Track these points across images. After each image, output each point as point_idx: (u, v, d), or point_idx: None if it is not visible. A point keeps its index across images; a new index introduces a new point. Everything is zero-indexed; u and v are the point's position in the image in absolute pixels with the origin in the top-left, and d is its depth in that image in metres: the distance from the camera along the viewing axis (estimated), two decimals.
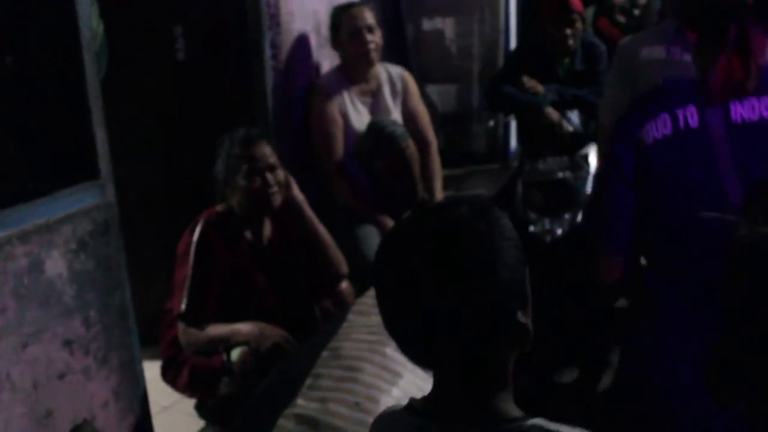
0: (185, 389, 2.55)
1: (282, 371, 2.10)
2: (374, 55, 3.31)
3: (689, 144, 1.56)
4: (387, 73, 3.45)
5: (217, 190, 2.61)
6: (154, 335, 2.68)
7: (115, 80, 2.94)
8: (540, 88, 3.51)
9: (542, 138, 3.47)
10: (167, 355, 2.59)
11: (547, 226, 3.19)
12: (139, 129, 3.25)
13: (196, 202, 2.69)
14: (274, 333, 2.41)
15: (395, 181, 3.27)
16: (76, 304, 2.05)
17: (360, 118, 3.32)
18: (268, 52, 3.12)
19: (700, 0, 1.59)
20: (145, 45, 3.24)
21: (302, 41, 3.38)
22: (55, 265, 1.99)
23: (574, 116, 3.48)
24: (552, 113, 3.45)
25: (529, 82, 3.52)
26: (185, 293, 2.46)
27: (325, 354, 1.92)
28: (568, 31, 3.54)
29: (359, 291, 2.67)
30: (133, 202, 2.87)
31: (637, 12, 5.28)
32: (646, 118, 1.61)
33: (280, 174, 2.57)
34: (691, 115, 1.56)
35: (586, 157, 3.32)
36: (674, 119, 1.57)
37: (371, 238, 3.16)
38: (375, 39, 3.29)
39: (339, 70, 3.38)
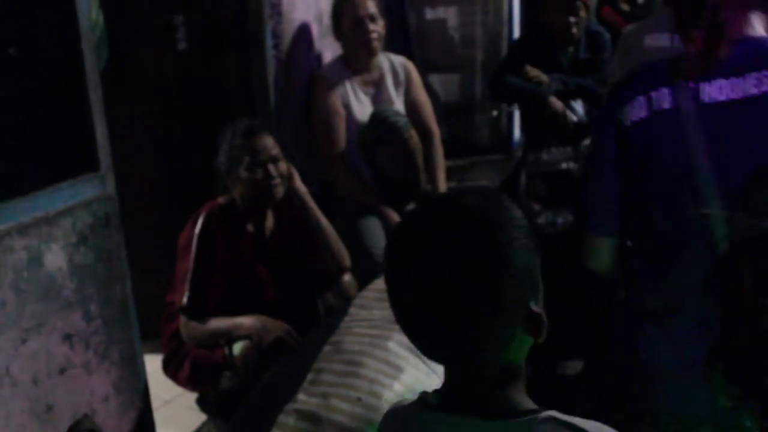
0: (187, 383, 2.53)
1: (284, 366, 2.08)
2: (376, 45, 3.28)
3: (663, 126, 1.57)
4: (389, 62, 3.41)
5: (219, 182, 2.59)
6: (156, 329, 2.66)
7: (116, 70, 2.91)
8: (544, 77, 3.48)
9: (546, 128, 3.45)
10: (169, 349, 2.57)
11: (551, 217, 3.17)
12: (139, 120, 3.23)
13: (197, 193, 2.67)
14: (276, 327, 2.39)
15: (398, 172, 3.24)
16: (77, 297, 2.03)
17: (362, 108, 3.29)
18: (269, 42, 3.09)
19: None
20: (146, 34, 3.21)
21: (304, 31, 3.35)
22: (55, 258, 1.96)
23: (578, 106, 3.45)
24: (556, 103, 3.42)
25: (532, 71, 3.49)
26: (187, 286, 2.44)
27: (326, 348, 1.90)
28: (572, 20, 3.50)
29: (362, 284, 2.64)
30: (133, 194, 2.85)
31: (641, 0, 5.24)
32: (625, 101, 1.61)
33: (283, 166, 2.54)
34: (664, 97, 1.56)
35: None
36: (649, 101, 1.58)
37: (374, 229, 3.14)
38: (377, 28, 3.26)
39: (341, 60, 3.35)
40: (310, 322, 2.57)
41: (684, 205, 1.55)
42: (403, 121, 3.21)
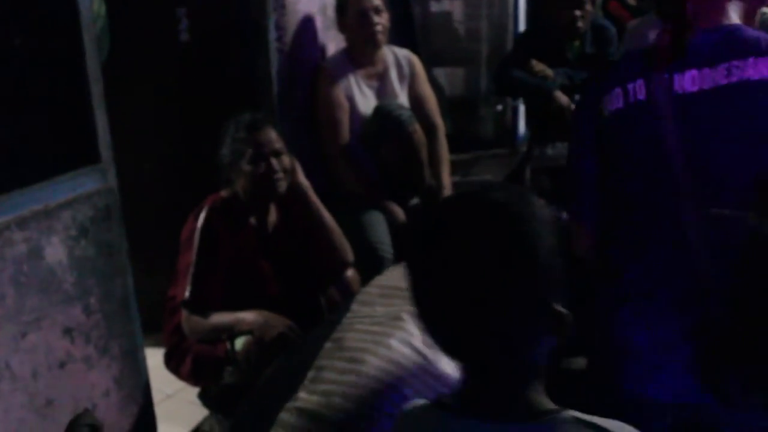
0: (188, 378, 2.52)
1: (285, 362, 2.06)
2: (381, 38, 3.26)
3: (638, 116, 1.58)
4: (394, 55, 3.39)
5: (222, 175, 2.57)
6: (158, 322, 2.64)
7: (118, 62, 2.89)
8: (549, 71, 3.46)
9: (551, 123, 3.42)
10: (170, 343, 2.55)
11: (556, 212, 3.14)
12: (141, 112, 3.21)
13: (200, 187, 2.65)
14: (278, 322, 2.37)
15: (402, 167, 3.22)
16: (77, 291, 2.01)
17: (366, 101, 3.26)
18: (272, 34, 3.07)
19: None
20: (148, 26, 3.19)
21: (308, 23, 3.32)
22: (55, 251, 1.95)
23: None
24: (561, 97, 3.39)
25: (538, 65, 3.47)
26: (189, 280, 2.42)
27: (328, 345, 1.88)
28: (578, 13, 3.48)
29: (365, 279, 2.62)
30: (136, 186, 2.83)
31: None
32: (604, 92, 1.63)
33: (286, 160, 2.52)
34: (639, 88, 1.57)
35: None
36: (625, 92, 1.59)
37: (377, 224, 3.11)
38: (382, 21, 3.23)
39: (345, 53, 3.32)
40: (313, 318, 2.55)
41: (657, 194, 1.57)
42: (407, 114, 3.18)
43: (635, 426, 1.07)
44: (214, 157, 2.56)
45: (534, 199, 1.07)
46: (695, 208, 1.51)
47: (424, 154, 3.23)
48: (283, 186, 2.51)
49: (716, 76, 1.49)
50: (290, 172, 2.55)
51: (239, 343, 2.37)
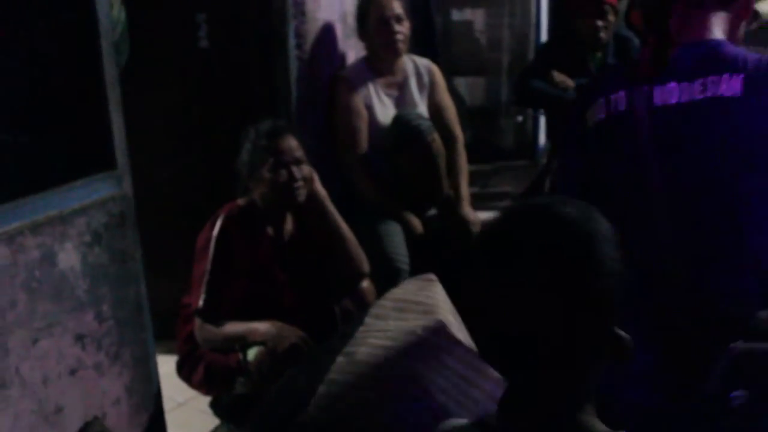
0: (200, 386, 2.50)
1: (297, 374, 2.04)
2: (401, 46, 3.23)
3: (618, 127, 1.60)
4: (414, 64, 3.36)
5: (240, 183, 2.55)
6: (172, 329, 2.63)
7: (137, 67, 2.88)
8: (570, 82, 3.42)
9: None
10: (183, 351, 2.54)
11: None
12: (160, 118, 3.20)
13: (217, 194, 2.64)
14: (291, 333, 2.34)
15: (420, 177, 3.19)
16: (89, 298, 2.00)
17: (385, 110, 3.24)
18: (292, 41, 3.05)
19: None
20: (168, 32, 3.18)
21: (328, 31, 3.31)
22: (68, 257, 1.93)
23: None
24: None
25: (559, 76, 3.43)
26: (203, 289, 2.41)
27: (340, 359, 1.85)
28: (600, 24, 3.45)
29: (380, 290, 2.60)
30: (152, 193, 2.82)
31: None
32: (589, 103, 1.66)
33: (306, 168, 2.50)
34: (621, 100, 1.59)
35: None
36: (608, 103, 1.61)
37: (394, 235, 3.08)
38: (403, 30, 3.21)
39: (365, 61, 3.30)
40: (326, 328, 2.53)
41: (634, 203, 1.58)
42: (426, 124, 3.15)
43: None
44: (232, 164, 2.55)
45: (601, 218, 1.05)
46: (669, 218, 1.52)
47: (442, 164, 3.20)
48: (302, 195, 2.49)
49: (693, 91, 1.51)
50: (309, 181, 2.53)
51: (252, 353, 2.35)
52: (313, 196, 2.58)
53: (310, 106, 3.21)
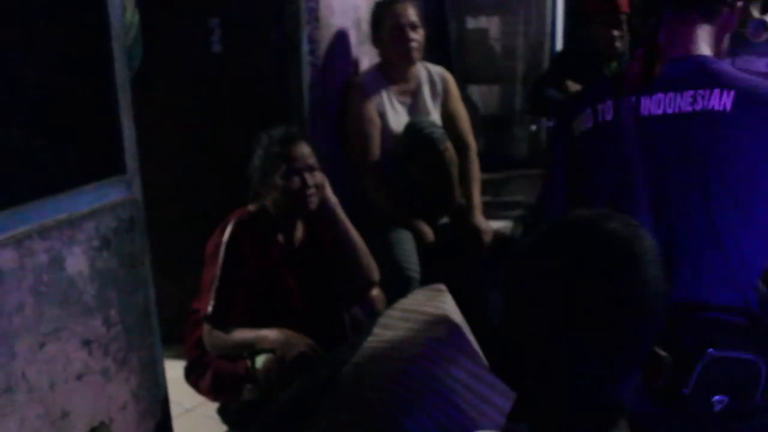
0: (208, 392, 2.49)
1: (305, 383, 2.02)
2: (416, 54, 3.22)
3: (605, 136, 1.62)
4: (427, 72, 3.35)
5: (251, 189, 2.54)
6: (181, 334, 2.62)
7: (149, 71, 2.88)
8: None
9: None
10: (192, 357, 2.53)
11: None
12: (171, 122, 3.20)
13: (228, 200, 2.63)
14: (300, 342, 2.32)
15: (432, 185, 3.18)
16: (97, 302, 1.99)
17: (398, 118, 3.23)
18: (305, 47, 3.05)
19: None
20: (181, 36, 3.18)
21: (341, 37, 3.30)
22: (77, 262, 1.92)
23: None
24: None
25: (573, 86, 3.41)
26: (212, 294, 2.40)
27: (348, 370, 1.84)
28: (616, 33, 3.43)
29: (391, 298, 2.58)
30: (163, 197, 2.81)
31: None
32: (576, 113, 1.68)
33: (318, 175, 2.49)
34: (608, 109, 1.61)
35: None
36: (595, 113, 1.63)
37: (405, 243, 3.07)
38: (417, 37, 3.20)
39: (378, 68, 3.29)
40: (336, 336, 2.51)
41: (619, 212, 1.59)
42: (438, 132, 3.14)
43: None
44: (244, 170, 2.54)
45: (645, 234, 1.05)
46: (653, 227, 1.52)
47: (454, 172, 3.19)
48: (315, 202, 2.48)
49: (681, 103, 1.53)
50: (321, 188, 2.52)
51: (260, 360, 2.34)
52: (324, 202, 2.57)
53: (322, 113, 3.20)
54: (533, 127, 5.21)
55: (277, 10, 3.01)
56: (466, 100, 3.73)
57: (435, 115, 3.31)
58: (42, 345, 1.84)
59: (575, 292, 0.99)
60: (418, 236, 3.14)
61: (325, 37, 3.18)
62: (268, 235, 2.51)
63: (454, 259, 3.20)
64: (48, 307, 1.85)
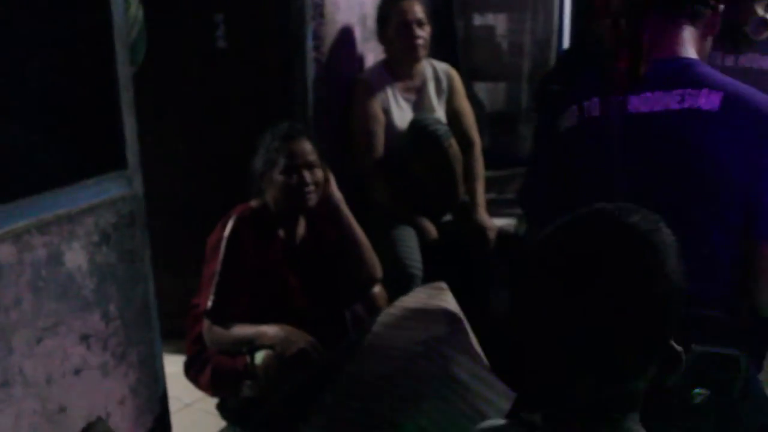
0: (207, 388, 2.48)
1: (304, 381, 2.02)
2: (422, 51, 3.21)
3: (590, 133, 1.63)
4: (433, 69, 3.34)
5: (254, 184, 2.54)
6: (182, 329, 2.61)
7: (153, 67, 2.88)
8: None
9: None
10: (192, 352, 2.53)
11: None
12: (175, 117, 3.20)
13: (232, 195, 2.62)
14: (300, 338, 2.32)
15: (436, 182, 3.17)
16: (96, 297, 1.99)
17: (402, 115, 3.22)
18: (310, 43, 3.04)
19: None
20: (185, 31, 3.18)
21: (346, 33, 3.29)
22: (75, 257, 1.92)
23: None
24: None
25: None
26: (212, 290, 2.40)
27: (347, 368, 1.83)
28: None
29: (393, 295, 2.57)
30: (166, 192, 2.81)
31: None
32: (562, 109, 1.69)
33: (319, 173, 2.48)
34: (594, 106, 1.62)
35: None
36: (581, 110, 1.64)
37: (408, 240, 3.06)
38: (424, 34, 3.19)
39: (383, 65, 3.28)
40: (337, 333, 2.51)
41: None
42: (443, 129, 3.13)
43: None
44: (246, 166, 2.53)
45: (665, 228, 1.06)
46: None
47: (459, 170, 3.18)
48: (313, 199, 2.47)
49: (669, 101, 1.54)
50: (322, 185, 2.51)
51: (259, 357, 2.33)
52: (328, 198, 2.56)
53: (327, 109, 3.19)
54: None
55: (282, 6, 3.00)
56: (472, 97, 3.71)
57: (440, 112, 3.30)
58: (39, 340, 1.84)
59: (593, 285, 1.00)
60: (422, 233, 3.13)
61: (330, 33, 3.17)
62: (269, 231, 2.51)
63: (458, 257, 3.19)
64: (46, 302, 1.85)
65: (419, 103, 3.27)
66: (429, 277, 2.83)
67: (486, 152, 3.47)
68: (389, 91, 3.22)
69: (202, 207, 3.08)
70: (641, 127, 1.56)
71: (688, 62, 1.59)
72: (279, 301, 2.49)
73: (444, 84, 3.33)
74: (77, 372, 1.96)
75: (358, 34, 3.36)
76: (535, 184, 1.82)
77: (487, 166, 3.46)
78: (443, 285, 2.17)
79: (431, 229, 3.16)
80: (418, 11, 3.18)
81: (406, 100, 3.25)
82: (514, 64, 5.04)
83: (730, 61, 2.77)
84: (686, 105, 1.52)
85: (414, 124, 3.15)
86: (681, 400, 1.40)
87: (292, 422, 1.98)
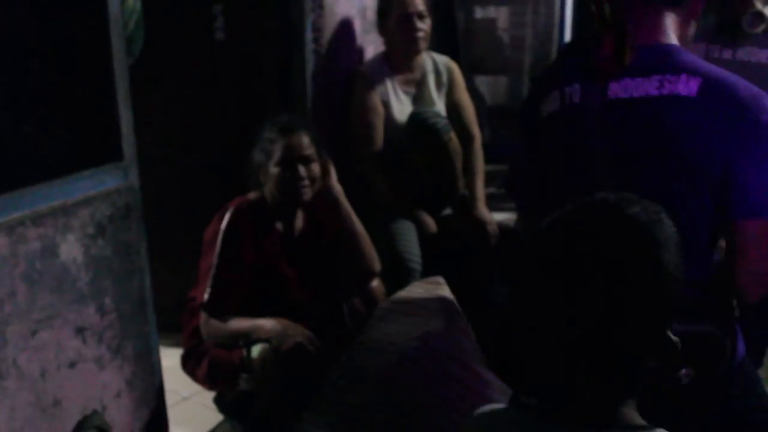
0: (204, 381, 2.47)
1: (301, 375, 2.01)
2: (422, 44, 3.19)
3: (572, 118, 1.63)
4: (433, 62, 3.31)
5: (252, 177, 2.52)
6: (180, 322, 2.60)
7: (151, 58, 2.86)
8: None
9: None
10: (189, 345, 2.51)
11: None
12: (173, 109, 3.18)
13: (230, 187, 2.61)
14: (297, 332, 2.30)
15: (435, 176, 3.15)
16: (91, 290, 1.97)
17: (402, 108, 3.20)
18: (309, 35, 3.01)
19: None
20: (184, 23, 3.16)
21: (346, 25, 3.27)
22: (70, 249, 1.91)
23: None
24: None
25: None
26: (209, 282, 2.38)
27: (343, 361, 1.82)
28: None
29: (392, 289, 2.56)
30: (164, 184, 2.80)
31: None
32: (545, 94, 1.70)
33: (315, 168, 2.46)
34: (575, 92, 1.62)
35: None
36: (562, 95, 1.64)
37: (407, 234, 3.04)
38: (424, 27, 3.17)
39: (383, 57, 3.26)
40: (335, 327, 2.49)
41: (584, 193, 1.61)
42: (442, 123, 3.11)
43: None
44: (244, 158, 2.51)
45: (667, 219, 1.07)
46: None
47: (458, 164, 3.16)
48: (308, 194, 2.45)
49: (648, 87, 1.55)
50: (319, 179, 2.49)
51: (256, 350, 2.32)
52: (327, 191, 2.54)
53: (326, 101, 3.17)
54: None
55: None
56: (472, 90, 3.69)
57: (440, 106, 3.28)
58: (34, 332, 1.83)
59: (591, 278, 1.01)
60: (421, 227, 3.11)
61: (330, 25, 3.15)
62: (266, 223, 2.49)
63: (457, 251, 3.17)
64: (41, 295, 1.84)
65: (419, 96, 3.25)
66: (428, 272, 2.81)
67: (486, 146, 3.45)
68: (389, 84, 3.20)
69: (200, 199, 3.07)
70: (621, 114, 1.57)
71: (669, 49, 1.59)
72: (276, 294, 2.48)
73: (444, 77, 3.31)
74: (72, 365, 1.94)
75: (357, 26, 3.33)
76: (520, 170, 1.85)
77: (488, 160, 3.44)
78: (440, 280, 2.16)
79: (430, 224, 3.15)
80: (419, 3, 3.16)
81: (406, 93, 3.23)
82: (515, 57, 5.03)
83: (728, 54, 2.77)
84: (665, 91, 1.53)
85: (413, 118, 3.13)
86: (668, 382, 1.42)
87: (289, 416, 1.96)
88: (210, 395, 2.58)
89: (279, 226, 2.52)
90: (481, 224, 3.19)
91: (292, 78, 3.05)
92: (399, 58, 3.22)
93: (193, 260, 2.58)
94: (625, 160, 1.57)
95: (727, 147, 1.49)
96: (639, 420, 1.06)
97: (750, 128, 1.49)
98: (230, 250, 2.39)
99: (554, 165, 1.69)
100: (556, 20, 5.02)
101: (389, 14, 3.18)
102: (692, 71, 1.53)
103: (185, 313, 2.54)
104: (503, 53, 5.03)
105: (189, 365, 2.50)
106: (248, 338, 2.35)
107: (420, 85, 3.26)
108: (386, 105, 3.17)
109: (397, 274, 2.87)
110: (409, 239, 3.05)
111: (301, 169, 2.40)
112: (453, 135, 3.11)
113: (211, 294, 2.36)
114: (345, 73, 3.25)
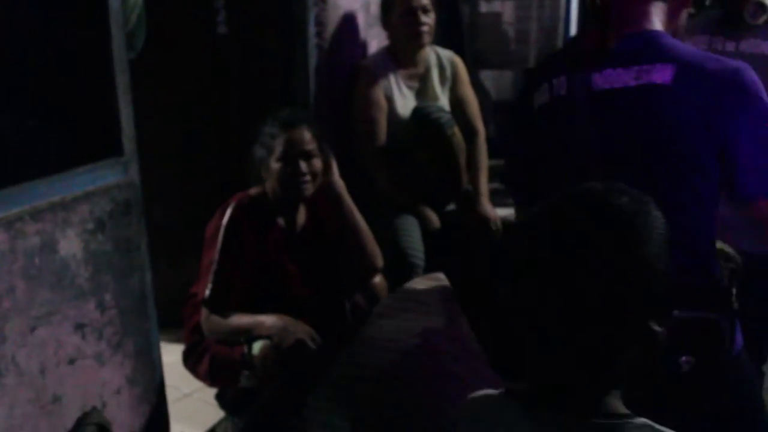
0: (205, 378, 2.45)
1: (301, 373, 1.99)
2: (426, 38, 3.16)
3: (560, 110, 1.64)
4: (437, 56, 3.29)
5: (253, 172, 2.50)
6: (182, 318, 2.59)
7: (153, 52, 2.84)
8: None
9: None
10: (190, 341, 2.50)
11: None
12: (175, 104, 3.17)
13: (231, 183, 2.59)
14: (298, 328, 2.29)
15: (439, 171, 3.13)
16: (91, 286, 1.96)
17: (405, 102, 3.18)
18: (312, 29, 2.99)
19: None
20: (186, 16, 3.14)
21: (349, 19, 3.24)
22: (70, 245, 1.90)
23: None
24: None
25: None
26: (210, 278, 2.36)
27: (343, 358, 1.81)
28: None
29: (394, 285, 2.54)
30: (165, 179, 2.78)
31: (708, 1, 5.04)
32: (535, 86, 1.71)
33: (316, 163, 2.43)
34: (562, 84, 1.63)
35: None
36: (551, 87, 1.65)
37: (410, 229, 3.03)
38: (428, 21, 3.14)
39: (387, 52, 3.23)
40: (337, 323, 2.48)
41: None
42: (446, 117, 3.09)
43: None
44: (246, 153, 2.50)
45: (655, 211, 1.06)
46: None
47: (462, 159, 3.13)
48: (309, 189, 2.43)
49: (627, 78, 1.55)
50: (321, 174, 2.47)
51: (257, 347, 2.30)
52: (330, 186, 2.52)
53: (329, 96, 3.15)
54: None
55: None
56: (477, 85, 3.66)
57: (443, 100, 3.26)
58: (33, 328, 1.82)
59: (579, 266, 1.01)
60: (424, 223, 3.10)
61: (333, 18, 3.13)
62: (268, 219, 2.47)
63: (460, 247, 3.16)
64: (40, 290, 1.83)
65: (422, 91, 3.23)
66: (431, 267, 2.80)
67: (491, 141, 3.43)
68: (392, 79, 3.17)
69: (201, 194, 3.05)
70: (605, 105, 1.57)
71: (649, 35, 1.59)
72: (278, 290, 2.46)
73: (448, 72, 3.29)
74: (72, 361, 1.94)
75: (361, 19, 3.31)
76: (515, 162, 1.85)
77: (493, 154, 3.42)
78: (441, 276, 2.14)
79: (434, 219, 3.13)
80: None
81: (410, 87, 3.21)
82: (520, 52, 4.99)
83: (731, 46, 2.76)
84: (642, 81, 1.53)
85: (417, 112, 3.11)
86: (669, 369, 1.43)
87: (290, 413, 1.96)
88: (211, 392, 2.56)
89: (280, 221, 2.50)
90: (485, 220, 3.17)
91: (295, 72, 3.03)
92: (403, 52, 3.20)
93: (194, 256, 2.57)
94: (614, 153, 1.57)
95: (714, 128, 1.48)
96: (622, 409, 1.07)
97: (736, 97, 1.48)
98: (232, 245, 2.38)
99: (547, 157, 1.70)
100: (562, 14, 4.99)
101: (393, 8, 3.15)
102: (666, 58, 1.53)
103: (186, 309, 2.52)
104: (508, 48, 5.00)
105: (190, 362, 2.48)
106: (249, 335, 2.33)
107: (424, 79, 3.24)
108: (389, 100, 3.15)
109: (400, 269, 2.85)
110: (412, 235, 3.03)
111: (303, 165, 2.38)
112: (456, 130, 3.08)
113: (212, 290, 2.35)
114: (348, 67, 3.23)
